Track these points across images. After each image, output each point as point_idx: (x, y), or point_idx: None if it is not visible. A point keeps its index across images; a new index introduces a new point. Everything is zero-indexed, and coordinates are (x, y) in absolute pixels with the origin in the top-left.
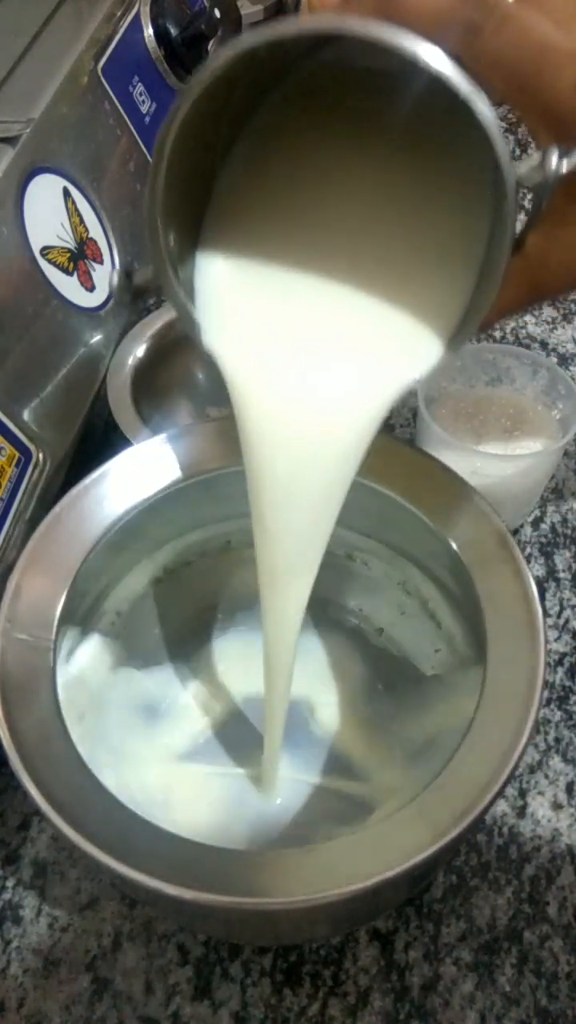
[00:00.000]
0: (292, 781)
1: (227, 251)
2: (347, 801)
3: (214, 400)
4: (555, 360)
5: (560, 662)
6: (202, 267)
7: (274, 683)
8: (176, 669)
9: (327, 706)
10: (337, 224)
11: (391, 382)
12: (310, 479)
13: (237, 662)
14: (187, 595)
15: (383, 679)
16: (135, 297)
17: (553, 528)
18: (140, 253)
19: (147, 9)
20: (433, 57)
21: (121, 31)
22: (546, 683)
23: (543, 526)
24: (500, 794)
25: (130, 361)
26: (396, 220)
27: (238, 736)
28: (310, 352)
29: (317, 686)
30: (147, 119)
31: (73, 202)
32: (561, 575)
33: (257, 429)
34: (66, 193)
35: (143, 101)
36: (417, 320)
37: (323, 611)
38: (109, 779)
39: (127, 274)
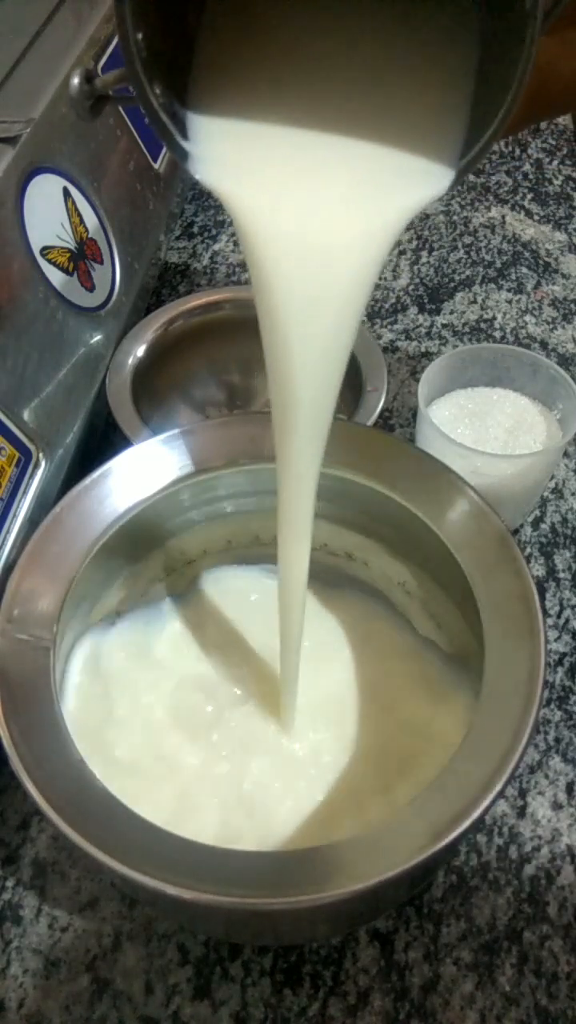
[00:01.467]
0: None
1: (216, 100)
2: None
3: (214, 400)
4: (555, 360)
5: (560, 662)
6: (191, 117)
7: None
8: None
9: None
10: (328, 65)
11: (403, 199)
12: (327, 296)
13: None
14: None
15: None
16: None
17: (553, 528)
18: (140, 253)
19: None
20: None
21: None
22: (546, 683)
23: (543, 526)
24: (500, 794)
25: (130, 361)
26: (389, 54)
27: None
28: (315, 176)
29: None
30: (147, 119)
31: (73, 202)
32: (561, 575)
33: (267, 250)
34: (66, 193)
35: None
36: (424, 145)
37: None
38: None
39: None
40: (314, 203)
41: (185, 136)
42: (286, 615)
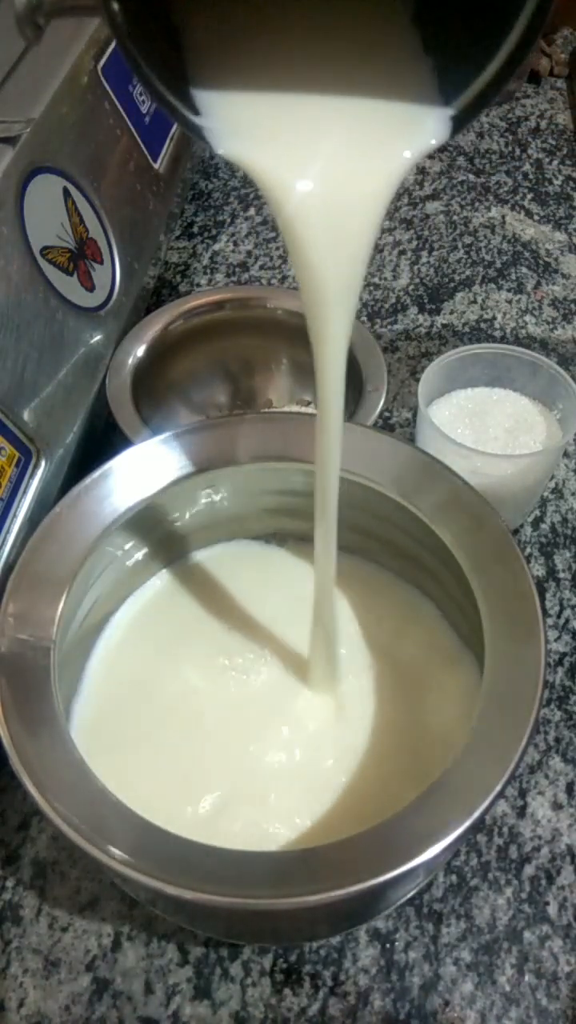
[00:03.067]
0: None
1: (215, 73)
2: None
3: (214, 401)
4: (555, 360)
5: (560, 662)
6: (196, 93)
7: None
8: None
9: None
10: (312, 24)
11: (408, 146)
12: (350, 228)
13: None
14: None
15: None
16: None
17: (553, 528)
18: (140, 253)
19: None
20: None
21: None
22: (546, 683)
23: (543, 526)
24: (500, 794)
25: (130, 361)
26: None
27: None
28: (324, 133)
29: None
30: (147, 119)
31: (73, 202)
32: (561, 575)
33: (296, 207)
34: (66, 193)
35: (143, 101)
36: (416, 91)
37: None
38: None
39: None
40: (331, 160)
41: (195, 111)
42: (320, 582)
